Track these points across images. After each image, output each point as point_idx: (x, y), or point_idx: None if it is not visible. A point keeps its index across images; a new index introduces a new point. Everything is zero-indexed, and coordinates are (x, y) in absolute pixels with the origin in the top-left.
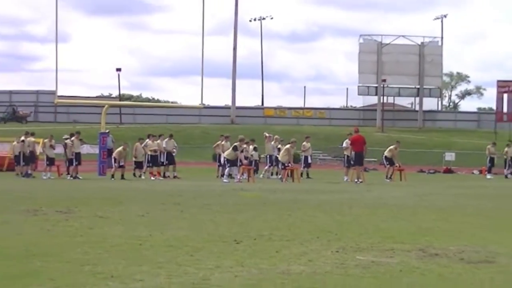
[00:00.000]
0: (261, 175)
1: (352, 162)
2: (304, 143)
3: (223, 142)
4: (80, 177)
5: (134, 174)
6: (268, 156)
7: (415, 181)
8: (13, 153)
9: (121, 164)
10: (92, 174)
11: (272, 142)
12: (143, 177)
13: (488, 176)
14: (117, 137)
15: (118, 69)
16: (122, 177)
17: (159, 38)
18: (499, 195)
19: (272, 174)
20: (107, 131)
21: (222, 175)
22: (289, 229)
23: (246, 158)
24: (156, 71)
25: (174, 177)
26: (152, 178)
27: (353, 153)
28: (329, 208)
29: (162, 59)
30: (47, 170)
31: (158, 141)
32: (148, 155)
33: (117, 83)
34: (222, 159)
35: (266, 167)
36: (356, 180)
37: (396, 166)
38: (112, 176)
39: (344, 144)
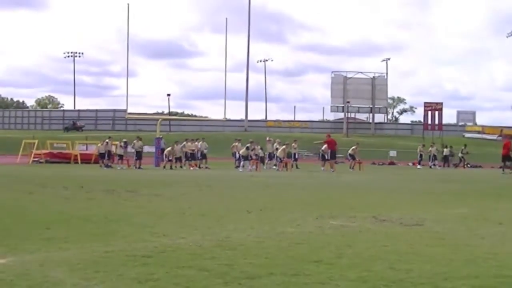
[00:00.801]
0: (265, 167)
1: (327, 157)
2: (293, 144)
3: (237, 144)
4: (142, 168)
5: (172, 167)
6: (269, 153)
7: (369, 170)
8: (98, 151)
9: (169, 159)
10: (150, 166)
11: (275, 144)
12: (184, 167)
13: (418, 167)
14: (168, 141)
15: (168, 95)
16: (171, 167)
17: (196, 73)
18: (426, 180)
19: (275, 166)
20: (160, 136)
21: (238, 167)
22: (284, 203)
23: (255, 155)
24: (194, 95)
25: (206, 167)
26: (191, 169)
27: (328, 151)
28: (311, 189)
29: (198, 87)
30: (119, 163)
31: (195, 143)
32: (188, 152)
33: (167, 104)
34: (237, 155)
35: (267, 161)
36: (331, 170)
37: (357, 160)
38: (164, 167)
39: (323, 148)
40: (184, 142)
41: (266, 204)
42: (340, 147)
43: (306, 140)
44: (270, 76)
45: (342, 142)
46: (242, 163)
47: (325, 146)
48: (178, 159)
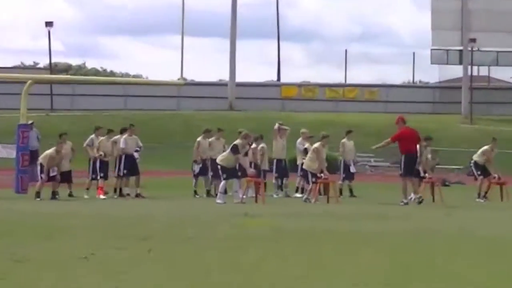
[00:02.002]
0: (275, 194)
1: (402, 172)
2: (344, 140)
3: (211, 139)
4: None
5: (56, 194)
6: (275, 161)
7: None
8: None
9: (52, 174)
10: (6, 191)
11: (299, 140)
12: (86, 195)
13: None
14: (46, 132)
15: (49, 24)
16: (54, 195)
17: None
18: None
19: (297, 191)
20: (29, 122)
21: (208, 193)
22: (320, 278)
23: (253, 165)
24: (107, 26)
25: (137, 195)
26: (101, 196)
27: (401, 157)
28: (383, 245)
29: (117, 8)
30: None
31: (115, 137)
32: (92, 161)
33: (46, 45)
34: (212, 168)
35: (274, 181)
36: (414, 198)
37: (494, 178)
38: (38, 194)
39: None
40: (92, 136)
41: (280, 282)
42: (452, 147)
43: (373, 132)
44: None
45: (460, 134)
46: (222, 184)
47: (389, 141)
48: (65, 177)
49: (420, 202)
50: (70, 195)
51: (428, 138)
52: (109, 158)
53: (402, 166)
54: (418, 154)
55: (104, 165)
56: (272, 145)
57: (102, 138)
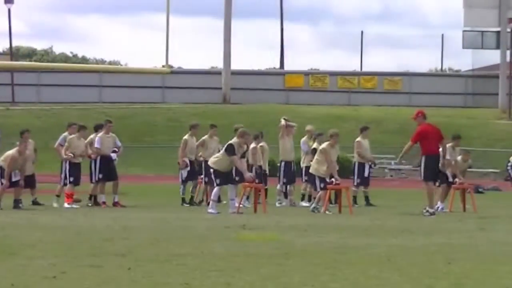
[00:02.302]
0: (277, 202)
1: (423, 176)
2: (359, 139)
3: (204, 138)
4: None
5: (20, 203)
6: (283, 163)
7: None
8: None
9: (14, 179)
10: None
11: (303, 139)
12: (55, 204)
13: None
14: (7, 128)
15: (8, 0)
16: (17, 203)
17: None
18: None
19: (303, 199)
20: None
21: (201, 201)
22: None
23: (259, 168)
24: (78, 4)
25: (115, 203)
26: (68, 205)
27: (421, 158)
28: (408, 263)
29: None
30: None
31: (91, 136)
32: (65, 164)
33: (6, 25)
34: (206, 171)
35: (278, 186)
36: (438, 207)
37: None
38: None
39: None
40: (65, 134)
41: None
42: (488, 147)
43: (393, 129)
44: None
45: (497, 131)
46: (215, 191)
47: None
48: (28, 181)
49: (432, 214)
50: (35, 202)
51: (456, 136)
52: (81, 160)
53: (423, 169)
54: (441, 155)
55: (75, 168)
56: (277, 145)
57: (71, 136)
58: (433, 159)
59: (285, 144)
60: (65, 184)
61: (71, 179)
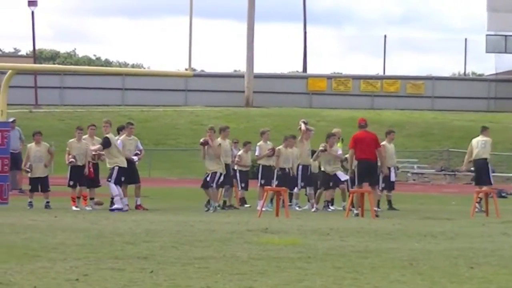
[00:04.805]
0: (295, 205)
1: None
2: (385, 142)
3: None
4: None
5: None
6: (301, 167)
7: None
8: None
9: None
10: None
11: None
12: (88, 207)
13: None
14: (30, 131)
15: (32, 2)
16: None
17: None
18: None
19: (328, 204)
20: (10, 119)
21: (221, 206)
22: None
23: (280, 169)
24: (101, 7)
25: (137, 206)
26: (87, 207)
27: (355, 162)
28: (430, 268)
29: None
30: None
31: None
32: (68, 167)
33: (29, 28)
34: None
35: (296, 189)
36: (376, 209)
37: None
38: (31, 203)
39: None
40: (77, 132)
41: None
42: (509, 151)
43: (417, 132)
44: None
45: None
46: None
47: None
48: (40, 184)
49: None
50: (47, 206)
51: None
52: (85, 161)
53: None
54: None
55: (76, 172)
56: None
57: (71, 140)
58: (362, 164)
59: (305, 148)
60: (73, 187)
61: (71, 182)
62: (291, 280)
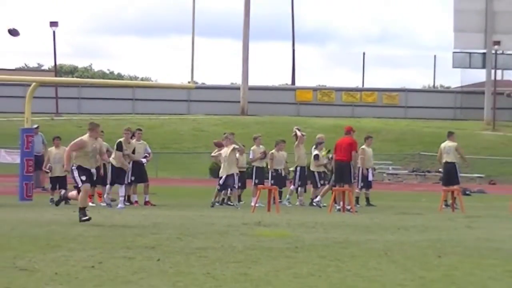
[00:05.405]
0: (286, 201)
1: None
2: (364, 146)
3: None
4: None
5: (54, 198)
6: (299, 168)
7: None
8: None
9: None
10: (10, 198)
11: (314, 148)
12: (102, 203)
13: None
14: (51, 136)
15: (53, 24)
16: (64, 200)
17: None
18: None
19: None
20: (34, 126)
21: (227, 201)
22: None
23: (274, 170)
24: (114, 27)
25: (146, 203)
26: (91, 203)
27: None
28: (403, 257)
29: (124, 6)
30: None
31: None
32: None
33: (51, 46)
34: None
35: (292, 187)
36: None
37: None
38: (52, 200)
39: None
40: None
41: None
42: (474, 155)
43: (391, 138)
44: None
45: (483, 141)
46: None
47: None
48: (59, 182)
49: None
50: (66, 202)
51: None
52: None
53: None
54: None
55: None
56: (290, 152)
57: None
58: (336, 164)
59: (300, 151)
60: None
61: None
62: (281, 268)
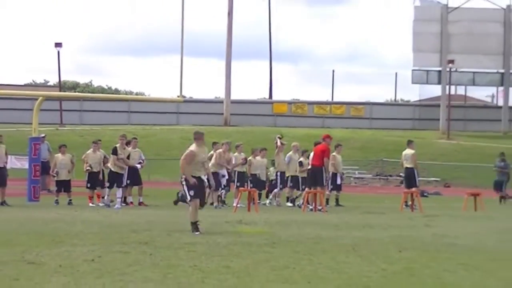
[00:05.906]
0: (268, 201)
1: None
2: (335, 153)
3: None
4: (7, 203)
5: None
6: (279, 173)
7: (497, 210)
8: None
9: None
10: (20, 199)
11: (291, 153)
12: (101, 204)
13: None
14: (56, 144)
15: (58, 44)
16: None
17: None
18: None
19: (288, 200)
20: (41, 135)
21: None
22: (309, 282)
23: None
24: (112, 47)
25: (140, 203)
26: (90, 204)
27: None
28: (368, 251)
29: (120, 29)
30: None
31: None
32: (85, 173)
33: (56, 64)
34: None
35: (276, 190)
36: (318, 207)
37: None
38: (57, 201)
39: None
40: (92, 145)
41: (271, 285)
42: (431, 161)
43: (358, 145)
44: (279, 6)
45: (438, 149)
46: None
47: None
48: (64, 186)
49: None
50: (70, 203)
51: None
52: (99, 169)
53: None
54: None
55: (93, 177)
56: (270, 158)
57: (88, 151)
58: (310, 169)
59: (280, 159)
60: (90, 188)
61: (88, 185)
62: (260, 261)
